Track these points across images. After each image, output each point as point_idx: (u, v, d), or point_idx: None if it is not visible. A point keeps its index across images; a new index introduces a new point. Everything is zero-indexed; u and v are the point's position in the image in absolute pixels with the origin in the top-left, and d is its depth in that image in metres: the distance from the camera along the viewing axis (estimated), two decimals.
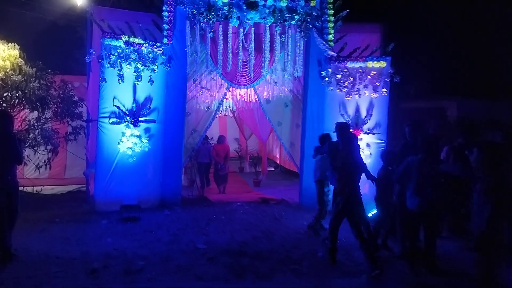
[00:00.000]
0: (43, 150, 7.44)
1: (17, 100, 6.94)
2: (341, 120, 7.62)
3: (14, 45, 7.14)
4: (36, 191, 8.76)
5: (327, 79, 7.56)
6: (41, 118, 7.57)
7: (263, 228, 6.22)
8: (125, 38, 6.88)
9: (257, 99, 10.23)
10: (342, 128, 5.26)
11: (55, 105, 7.68)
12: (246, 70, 7.87)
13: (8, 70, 6.80)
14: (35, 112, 7.36)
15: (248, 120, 14.21)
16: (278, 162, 16.42)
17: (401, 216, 4.86)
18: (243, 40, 7.60)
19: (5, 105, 6.85)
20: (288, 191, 10.09)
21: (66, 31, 9.40)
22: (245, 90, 9.47)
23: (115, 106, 6.90)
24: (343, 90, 7.59)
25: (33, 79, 7.12)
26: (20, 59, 7.10)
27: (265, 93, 8.38)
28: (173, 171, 7.48)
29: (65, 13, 8.95)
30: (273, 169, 16.07)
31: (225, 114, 16.94)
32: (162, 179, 7.38)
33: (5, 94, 6.76)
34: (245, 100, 11.54)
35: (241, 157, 16.47)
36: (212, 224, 6.31)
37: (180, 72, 7.48)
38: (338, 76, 7.55)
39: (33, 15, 9.28)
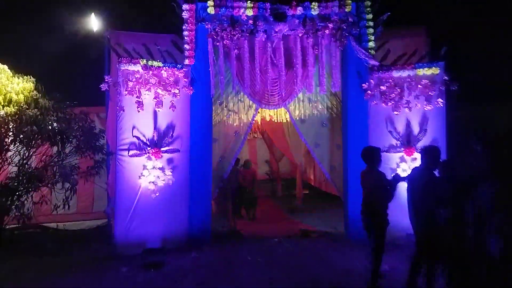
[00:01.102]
0: (61, 189, 6.86)
1: (35, 135, 6.47)
2: (390, 138, 6.64)
3: (29, 77, 6.73)
4: (62, 226, 8.30)
5: (369, 92, 6.62)
6: (61, 153, 7.07)
7: (308, 272, 5.23)
8: (143, 62, 6.28)
9: (289, 119, 9.52)
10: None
11: (76, 139, 7.17)
12: (276, 89, 7.06)
13: (22, 104, 6.35)
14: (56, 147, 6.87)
15: (279, 142, 13.40)
16: (312, 183, 15.46)
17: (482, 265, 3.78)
18: (272, 55, 6.84)
19: (26, 140, 6.40)
20: (329, 219, 9.08)
21: (85, 59, 9.04)
22: (276, 110, 8.73)
23: (135, 136, 6.26)
24: (390, 104, 6.60)
25: (51, 112, 6.65)
26: (35, 91, 6.65)
27: (298, 112, 7.51)
28: (201, 205, 6.67)
29: (84, 41, 8.58)
30: (307, 191, 15.08)
31: (254, 136, 16.34)
32: (189, 215, 6.58)
33: (24, 130, 6.31)
34: (276, 121, 10.77)
35: (272, 180, 15.67)
36: (246, 269, 5.38)
37: (204, 94, 6.77)
38: (383, 87, 6.60)
39: (50, 44, 9.04)
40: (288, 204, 11.31)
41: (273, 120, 10.88)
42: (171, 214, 6.42)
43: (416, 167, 4.51)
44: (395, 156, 6.64)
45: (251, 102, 7.33)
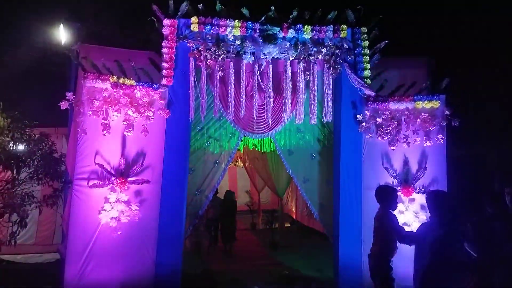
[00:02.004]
0: (7, 222, 5.84)
1: None
2: (386, 175, 6.02)
3: None
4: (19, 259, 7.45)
5: (364, 124, 6.04)
6: (15, 179, 6.10)
7: None
8: (113, 79, 5.52)
9: (274, 149, 8.89)
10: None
11: (33, 163, 6.23)
12: (263, 116, 6.38)
13: None
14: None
15: (261, 172, 12.70)
16: (294, 217, 14.68)
17: None
18: (259, 79, 6.20)
19: None
20: (314, 259, 8.30)
21: (52, 75, 8.19)
22: (261, 138, 8.06)
23: (97, 164, 5.39)
24: (386, 138, 6.02)
25: (6, 132, 5.73)
26: None
27: (284, 142, 6.81)
28: (171, 246, 5.75)
29: (50, 55, 7.76)
30: (289, 225, 14.27)
31: (235, 165, 15.58)
32: (156, 257, 5.65)
33: None
34: (260, 151, 10.09)
35: (252, 211, 14.83)
36: None
37: (182, 119, 6.02)
38: (379, 120, 6.03)
39: (12, 57, 8.18)
40: (269, 238, 10.49)
41: (256, 149, 10.20)
42: (135, 256, 5.49)
43: (425, 222, 3.90)
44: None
45: (234, 129, 6.61)
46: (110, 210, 5.35)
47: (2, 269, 7.34)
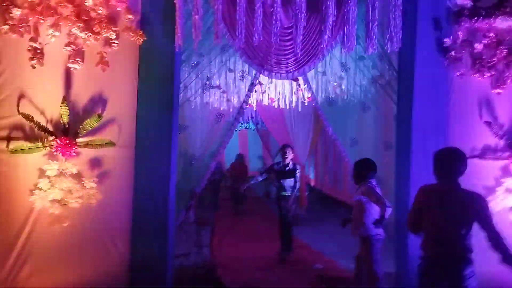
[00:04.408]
0: None
1: None
2: (485, 134, 3.85)
3: None
4: None
5: (453, 53, 3.80)
6: None
7: None
8: None
9: (295, 104, 6.81)
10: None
11: None
12: (290, 44, 4.13)
13: None
14: None
15: (278, 134, 10.59)
16: (313, 184, 12.84)
17: None
18: None
19: None
20: (347, 241, 6.33)
21: None
22: (283, 84, 5.94)
23: (23, 114, 3.30)
24: (488, 75, 3.80)
25: None
26: None
27: (320, 87, 4.61)
28: (154, 238, 3.78)
29: None
30: (307, 193, 12.49)
31: (246, 127, 13.64)
32: (131, 257, 3.71)
33: None
34: (276, 106, 7.94)
35: (266, 178, 13.20)
36: None
37: (165, 47, 3.83)
38: (477, 46, 3.79)
39: None
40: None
41: (273, 104, 8.01)
42: (95, 255, 3.54)
43: None
44: (493, 166, 3.86)
45: (246, 67, 4.43)
46: (48, 189, 3.32)
47: None
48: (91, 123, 3.48)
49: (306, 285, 4.53)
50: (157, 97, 3.84)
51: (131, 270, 3.71)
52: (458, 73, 3.86)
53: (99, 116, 3.51)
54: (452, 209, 2.53)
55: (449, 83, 3.89)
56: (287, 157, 5.77)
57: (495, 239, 2.49)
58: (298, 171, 5.87)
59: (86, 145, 3.48)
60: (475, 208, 2.52)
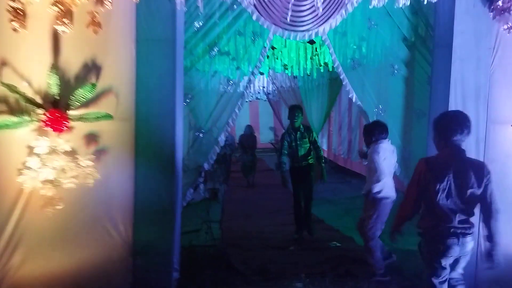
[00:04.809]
0: None
1: None
2: None
3: None
4: None
5: (500, 3, 3.25)
6: None
7: None
8: None
9: (310, 71, 6.45)
10: None
11: None
12: None
13: None
14: None
15: (292, 103, 10.14)
16: (326, 155, 12.49)
17: None
18: None
19: None
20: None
21: None
22: (297, 51, 5.46)
23: (5, 85, 2.91)
24: None
25: None
26: None
27: (342, 47, 4.08)
28: (160, 219, 3.48)
29: None
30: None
31: (257, 98, 13.18)
32: (134, 240, 3.43)
33: None
34: (291, 74, 7.54)
35: (278, 150, 12.93)
36: None
37: (165, 5, 3.36)
38: None
39: None
40: None
41: (285, 72, 7.57)
42: (95, 239, 3.24)
43: None
44: None
45: (257, 28, 3.93)
46: (39, 168, 2.98)
47: None
48: (84, 93, 3.08)
49: (324, 266, 4.21)
50: (159, 62, 3.42)
51: (135, 253, 3.43)
52: (505, 27, 3.31)
53: (93, 85, 3.11)
54: (457, 180, 2.42)
55: (494, 39, 3.36)
56: (296, 120, 5.11)
57: (488, 214, 2.48)
58: (313, 135, 5.22)
59: (80, 118, 3.09)
60: (479, 176, 2.44)
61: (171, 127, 3.45)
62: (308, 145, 5.17)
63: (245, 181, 9.49)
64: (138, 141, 3.36)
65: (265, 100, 12.65)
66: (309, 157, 5.22)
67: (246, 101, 8.82)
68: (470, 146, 3.33)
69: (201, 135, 4.05)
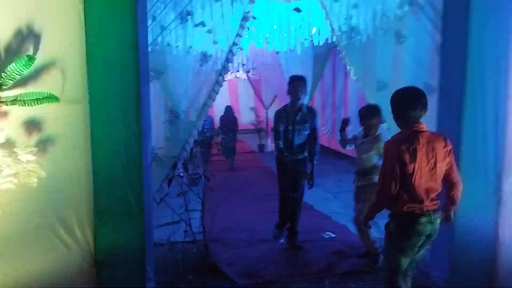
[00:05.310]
0: None
1: None
2: None
3: None
4: None
5: None
6: None
7: None
8: None
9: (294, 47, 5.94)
10: None
11: None
12: None
13: None
14: None
15: (272, 82, 9.57)
16: None
17: None
18: None
19: None
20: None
21: None
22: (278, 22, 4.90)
23: None
24: None
25: None
26: None
27: (338, 12, 3.51)
28: (127, 220, 2.89)
29: None
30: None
31: (236, 76, 12.55)
32: (96, 246, 2.84)
33: None
34: (273, 48, 6.98)
35: (259, 130, 12.69)
36: None
37: None
38: None
39: None
40: None
41: (267, 47, 6.98)
42: (43, 249, 2.65)
43: None
44: None
45: None
46: None
47: None
48: (18, 69, 2.40)
49: (321, 262, 3.76)
50: (115, 31, 2.74)
51: (99, 264, 2.85)
52: None
53: (30, 58, 2.43)
54: (425, 156, 2.37)
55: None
56: (299, 97, 3.90)
57: (449, 186, 2.51)
58: (316, 120, 4.02)
59: (16, 101, 2.43)
60: (444, 150, 2.43)
61: (133, 109, 2.82)
62: (308, 132, 3.99)
63: (226, 164, 9.08)
64: (93, 128, 2.72)
65: (244, 79, 12.05)
66: (303, 148, 4.07)
67: (225, 80, 8.23)
68: (489, 124, 2.87)
69: (173, 116, 3.43)
